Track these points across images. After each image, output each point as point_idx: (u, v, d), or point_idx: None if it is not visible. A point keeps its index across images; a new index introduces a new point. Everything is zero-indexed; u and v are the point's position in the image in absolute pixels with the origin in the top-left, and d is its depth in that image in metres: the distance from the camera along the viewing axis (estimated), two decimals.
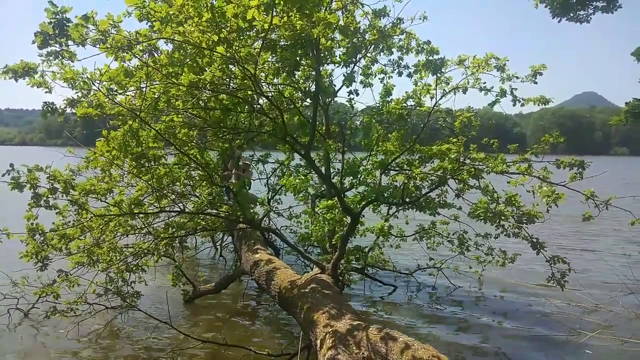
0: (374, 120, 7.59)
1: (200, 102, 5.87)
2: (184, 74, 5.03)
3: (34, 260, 5.96)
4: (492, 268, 8.72)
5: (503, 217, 6.07)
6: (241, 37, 4.87)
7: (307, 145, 6.13)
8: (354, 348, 4.01)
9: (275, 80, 6.73)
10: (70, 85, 4.95)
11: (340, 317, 4.63)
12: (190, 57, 4.99)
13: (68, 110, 5.32)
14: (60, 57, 4.24)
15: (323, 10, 5.72)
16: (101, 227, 6.21)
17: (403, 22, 6.69)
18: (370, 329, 4.19)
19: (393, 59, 7.13)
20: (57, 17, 3.95)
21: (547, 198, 5.39)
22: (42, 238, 5.90)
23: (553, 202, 5.34)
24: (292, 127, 7.29)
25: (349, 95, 7.28)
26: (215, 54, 4.81)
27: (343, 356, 3.96)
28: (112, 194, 6.02)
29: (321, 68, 6.57)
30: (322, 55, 6.10)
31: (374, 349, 3.90)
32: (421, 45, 6.53)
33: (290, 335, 6.34)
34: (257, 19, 4.32)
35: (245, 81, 5.28)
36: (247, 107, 6.10)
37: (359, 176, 7.23)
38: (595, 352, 6.12)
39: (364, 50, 6.79)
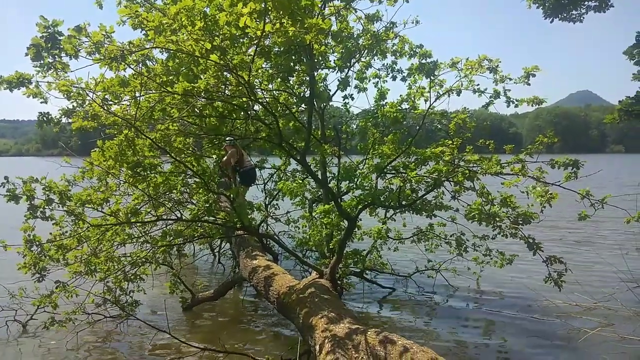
0: (369, 124, 7.62)
1: (196, 110, 5.88)
2: (178, 82, 5.05)
3: (31, 271, 5.96)
4: (490, 268, 8.73)
5: (498, 219, 6.09)
6: (235, 45, 4.89)
7: (303, 151, 6.15)
8: (353, 352, 4.01)
9: (269, 86, 6.76)
10: (65, 96, 4.95)
11: (339, 321, 4.63)
12: (185, 65, 5.01)
13: (63, 120, 5.33)
14: (54, 69, 4.25)
15: (316, 16, 5.76)
16: (98, 236, 6.21)
17: (396, 27, 6.74)
18: (369, 332, 4.19)
19: (387, 63, 7.17)
20: (49, 31, 3.96)
21: (540, 198, 5.41)
22: (39, 249, 5.89)
23: (547, 203, 5.36)
24: (287, 133, 7.32)
25: (344, 100, 7.32)
26: (209, 61, 4.83)
27: None
28: (108, 204, 6.01)
29: (315, 73, 6.59)
30: (316, 60, 6.13)
31: (373, 353, 3.90)
32: (414, 49, 6.56)
33: (290, 341, 6.34)
34: (250, 26, 4.34)
35: (240, 88, 5.29)
36: (242, 113, 6.12)
37: (355, 180, 7.24)
38: (595, 350, 6.14)
39: (357, 55, 6.82)
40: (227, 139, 8.01)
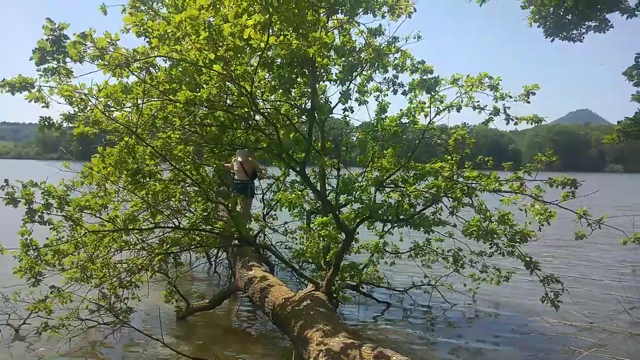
0: (369, 137, 7.65)
1: (197, 118, 5.91)
2: (181, 90, 5.08)
3: (27, 275, 5.92)
4: (486, 286, 8.70)
5: (496, 236, 6.09)
6: (239, 56, 4.93)
7: (303, 162, 6.16)
8: None
9: (271, 97, 6.79)
10: (67, 101, 4.97)
11: (334, 335, 4.61)
12: (188, 74, 5.04)
13: (65, 124, 5.34)
14: (58, 74, 4.28)
15: (320, 30, 5.81)
16: (95, 242, 6.19)
17: (398, 41, 6.80)
18: (364, 347, 4.17)
19: (388, 77, 7.22)
20: (55, 33, 4.00)
21: (539, 217, 5.42)
22: (35, 253, 5.86)
23: (545, 221, 5.37)
24: (287, 144, 7.35)
25: (344, 113, 7.36)
26: (212, 71, 4.86)
27: None
28: (106, 210, 6.00)
29: (317, 85, 6.63)
30: (318, 73, 6.17)
31: None
32: (415, 65, 6.62)
33: (284, 353, 6.29)
34: (254, 38, 4.38)
35: (242, 98, 5.33)
36: (243, 123, 6.15)
37: (353, 193, 7.25)
38: None
39: (359, 69, 6.87)
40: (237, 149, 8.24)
